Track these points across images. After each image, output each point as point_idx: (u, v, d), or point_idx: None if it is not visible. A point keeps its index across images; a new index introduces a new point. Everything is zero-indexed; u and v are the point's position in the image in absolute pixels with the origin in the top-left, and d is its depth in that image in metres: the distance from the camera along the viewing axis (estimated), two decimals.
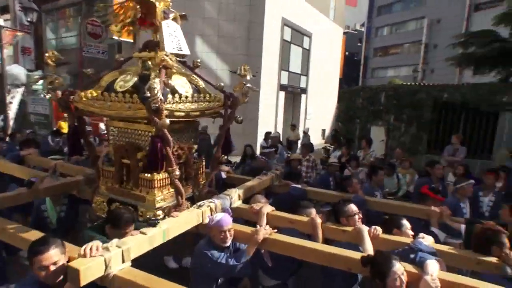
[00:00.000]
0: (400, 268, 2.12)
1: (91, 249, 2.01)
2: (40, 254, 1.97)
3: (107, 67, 11.79)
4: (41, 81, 11.80)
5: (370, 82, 35.53)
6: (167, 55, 2.63)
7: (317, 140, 15.37)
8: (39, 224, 3.23)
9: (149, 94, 2.35)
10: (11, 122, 11.67)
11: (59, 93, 2.85)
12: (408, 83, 13.57)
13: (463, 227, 3.36)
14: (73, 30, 15.32)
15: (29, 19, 12.30)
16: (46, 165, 4.53)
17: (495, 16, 10.54)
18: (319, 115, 17.98)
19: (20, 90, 12.36)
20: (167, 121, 2.45)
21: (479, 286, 2.09)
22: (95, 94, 2.77)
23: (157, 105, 2.35)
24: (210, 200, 3.00)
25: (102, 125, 9.63)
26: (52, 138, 7.55)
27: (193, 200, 3.13)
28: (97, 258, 1.97)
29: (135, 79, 2.76)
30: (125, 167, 2.88)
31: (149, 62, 2.84)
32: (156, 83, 2.35)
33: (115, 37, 11.81)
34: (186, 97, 2.78)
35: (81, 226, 3.77)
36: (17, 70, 12.73)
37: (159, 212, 2.75)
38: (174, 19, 2.96)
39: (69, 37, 15.13)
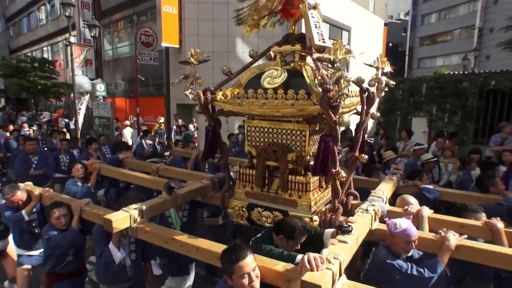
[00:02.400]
0: None
1: (315, 261, 1.76)
2: (240, 260, 1.80)
3: (158, 72, 12.70)
4: (102, 87, 13.07)
5: (417, 73, 33.38)
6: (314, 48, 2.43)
7: None
8: None
9: (328, 89, 2.08)
10: (80, 126, 13.09)
11: (201, 93, 2.67)
12: (451, 72, 12.74)
13: None
14: (126, 40, 16.54)
15: (92, 34, 13.59)
16: (145, 168, 4.48)
17: None
18: None
19: (86, 97, 13.73)
20: (347, 118, 2.19)
21: None
22: (236, 92, 2.56)
23: (338, 101, 2.07)
24: (369, 203, 2.65)
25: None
26: (145, 140, 7.79)
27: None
28: (325, 271, 1.73)
29: (285, 74, 2.47)
30: (268, 169, 2.64)
31: (295, 56, 2.60)
32: (347, 76, 2.07)
33: (163, 44, 12.68)
34: (351, 91, 2.42)
35: (200, 231, 3.55)
36: (82, 80, 14.14)
37: (316, 217, 2.47)
38: (314, 8, 2.68)
39: (123, 47, 16.33)
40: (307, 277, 1.66)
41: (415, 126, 10.72)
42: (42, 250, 3.40)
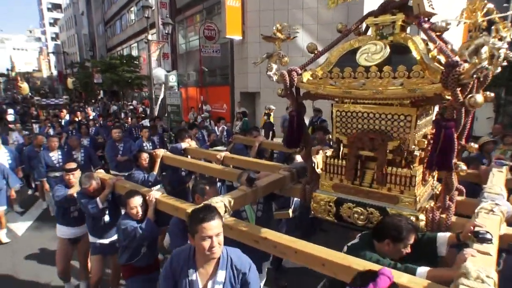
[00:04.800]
0: None
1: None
2: (206, 222, 1.59)
3: (224, 63, 12.49)
4: (174, 78, 13.40)
5: None
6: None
7: None
8: None
9: (455, 63, 1.53)
10: (155, 112, 13.70)
11: (286, 73, 2.15)
12: None
13: None
14: (196, 34, 16.71)
15: (166, 31, 13.94)
16: (208, 157, 3.94)
17: None
18: None
19: (162, 87, 14.25)
20: (480, 98, 1.56)
21: None
22: (329, 71, 2.05)
23: (475, 76, 1.50)
24: (493, 202, 2.01)
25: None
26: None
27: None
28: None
29: (387, 49, 1.92)
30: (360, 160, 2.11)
31: (397, 25, 1.99)
32: (494, 44, 1.43)
33: (228, 36, 12.46)
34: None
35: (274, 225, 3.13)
36: (160, 72, 14.68)
37: (422, 216, 1.94)
38: None
39: (194, 41, 16.52)
40: None
41: (479, 111, 8.99)
42: (112, 238, 3.22)
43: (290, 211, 3.35)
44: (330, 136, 2.42)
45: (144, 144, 6.07)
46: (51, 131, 9.64)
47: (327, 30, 11.26)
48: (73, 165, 3.46)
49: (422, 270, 1.44)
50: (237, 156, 3.87)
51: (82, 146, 5.96)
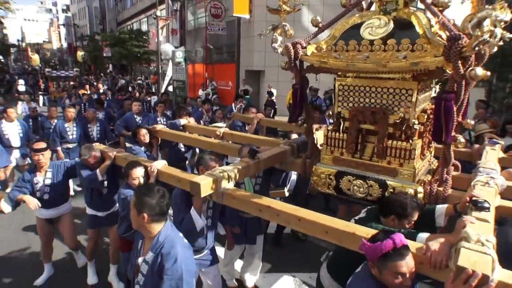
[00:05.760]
0: None
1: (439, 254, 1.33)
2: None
3: (231, 41, 12.12)
4: (180, 54, 13.15)
5: None
6: None
7: None
8: None
9: (457, 36, 1.51)
10: (163, 87, 13.56)
11: (290, 45, 2.08)
12: None
13: None
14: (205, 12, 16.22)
15: (174, 8, 13.58)
16: (208, 133, 3.79)
17: None
18: None
19: (170, 63, 14.01)
20: (480, 70, 1.54)
21: None
22: (333, 44, 2.00)
23: (477, 49, 1.47)
24: (488, 176, 1.96)
25: None
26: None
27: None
28: (485, 257, 1.23)
29: (391, 24, 1.88)
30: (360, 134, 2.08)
31: (400, 1, 1.94)
32: (497, 16, 1.40)
33: (235, 15, 12.11)
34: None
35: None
36: (167, 48, 14.39)
37: (420, 189, 1.91)
38: None
39: (201, 18, 16.07)
40: (464, 262, 1.18)
41: (471, 96, 8.75)
42: (109, 211, 3.14)
43: (286, 190, 3.36)
44: (330, 113, 2.38)
45: (159, 119, 5.74)
46: (67, 102, 9.56)
47: (333, 11, 10.77)
48: (42, 144, 3.05)
49: (422, 235, 1.47)
50: (236, 132, 3.80)
51: (97, 120, 5.78)
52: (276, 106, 10.03)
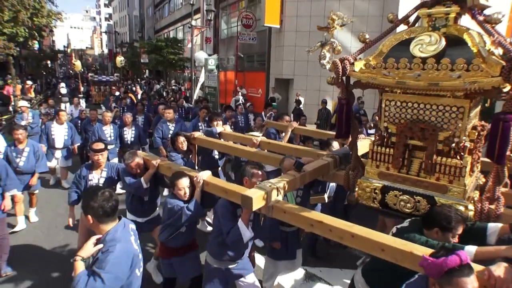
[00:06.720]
0: None
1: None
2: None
3: (262, 50, 12.30)
4: (213, 61, 13.56)
5: None
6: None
7: None
8: None
9: None
10: (195, 93, 14.01)
11: (338, 62, 2.06)
12: None
13: None
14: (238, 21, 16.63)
15: (209, 17, 14.09)
16: (244, 141, 3.74)
17: None
18: None
19: (202, 70, 14.48)
20: None
21: None
22: (382, 61, 1.96)
23: None
24: None
25: None
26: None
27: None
28: None
29: (442, 41, 1.83)
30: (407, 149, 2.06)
31: (450, 17, 1.91)
32: None
33: (266, 25, 12.32)
34: None
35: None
36: (201, 55, 14.89)
37: (471, 206, 1.87)
38: None
39: (234, 27, 16.50)
40: None
41: None
42: (149, 218, 3.22)
43: (326, 196, 3.32)
44: (372, 125, 2.35)
45: (200, 124, 5.76)
46: (113, 106, 9.86)
47: (362, 22, 10.77)
48: (101, 145, 3.23)
49: (470, 248, 1.46)
50: (273, 141, 3.79)
51: (134, 124, 5.91)
52: (304, 114, 10.05)
